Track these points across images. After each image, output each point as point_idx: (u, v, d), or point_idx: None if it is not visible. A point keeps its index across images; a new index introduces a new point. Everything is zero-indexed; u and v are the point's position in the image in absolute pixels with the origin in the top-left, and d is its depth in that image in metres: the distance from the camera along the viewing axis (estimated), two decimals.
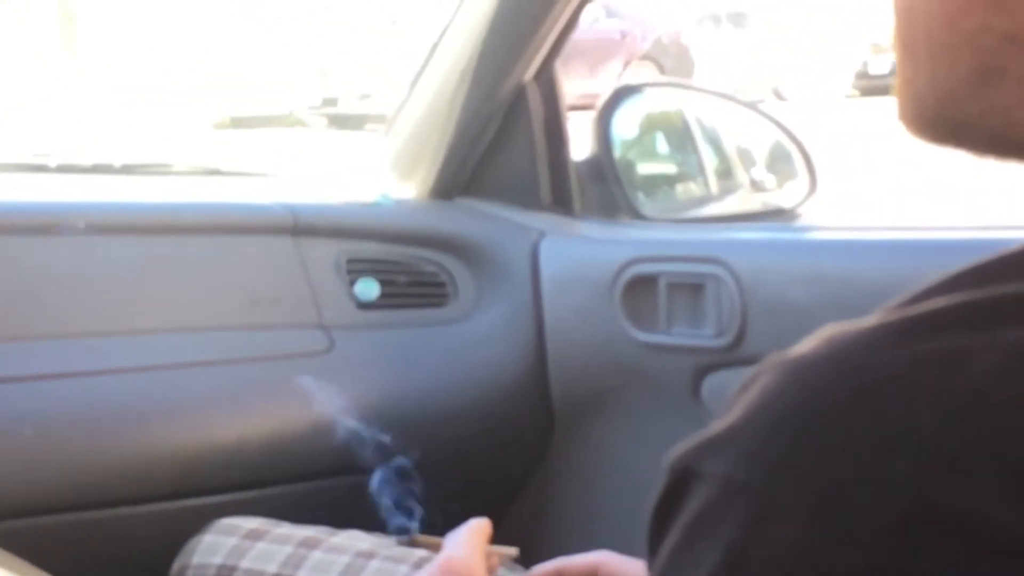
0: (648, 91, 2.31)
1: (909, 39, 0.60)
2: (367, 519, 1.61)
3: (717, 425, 0.51)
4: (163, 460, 1.57)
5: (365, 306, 1.80)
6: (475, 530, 0.91)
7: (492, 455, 1.85)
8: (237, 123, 11.65)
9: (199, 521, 1.56)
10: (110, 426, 1.54)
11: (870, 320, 0.50)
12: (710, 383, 1.63)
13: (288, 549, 1.25)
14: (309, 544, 1.25)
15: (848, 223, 1.71)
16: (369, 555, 1.23)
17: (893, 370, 0.47)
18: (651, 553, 0.52)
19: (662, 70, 15.39)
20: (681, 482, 0.51)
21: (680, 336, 1.66)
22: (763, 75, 15.54)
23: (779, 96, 15.33)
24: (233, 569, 1.23)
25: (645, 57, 15.45)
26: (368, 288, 1.80)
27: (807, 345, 0.51)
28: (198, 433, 1.61)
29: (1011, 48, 0.54)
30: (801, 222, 1.94)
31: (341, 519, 1.62)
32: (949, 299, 0.49)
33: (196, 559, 1.26)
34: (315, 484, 1.67)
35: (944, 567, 0.44)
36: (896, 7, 0.60)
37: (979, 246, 0.52)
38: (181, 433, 1.60)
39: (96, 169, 2.34)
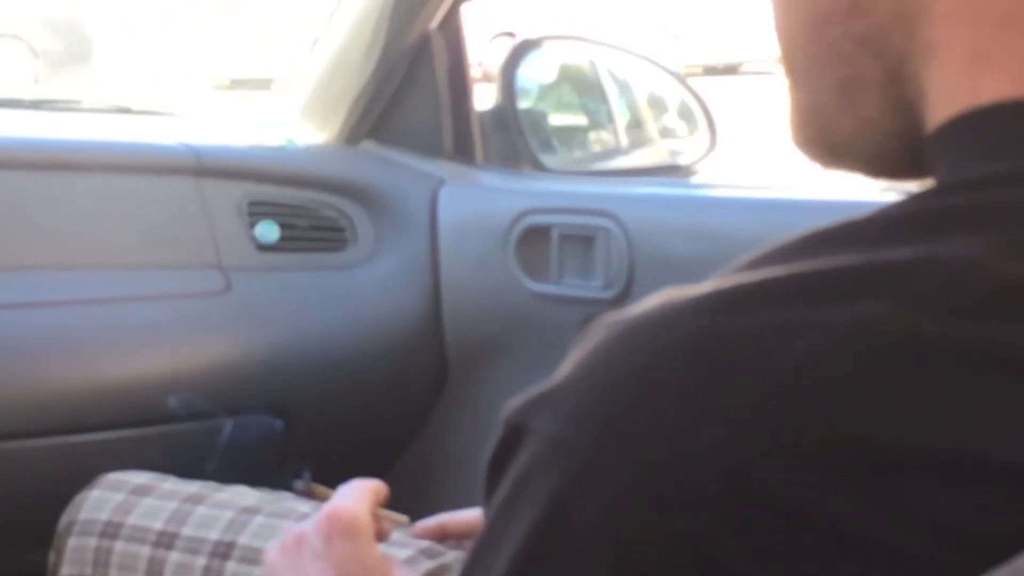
0: (559, 43, 2.33)
1: (788, 55, 0.62)
2: (258, 460, 1.64)
3: (550, 380, 0.52)
4: (55, 395, 1.57)
5: (264, 248, 1.80)
6: (367, 486, 0.90)
7: (385, 401, 1.86)
8: (237, 85, 11.41)
9: (90, 457, 1.57)
10: (1, 360, 1.54)
11: (709, 285, 0.51)
12: None
13: (174, 505, 1.24)
14: (194, 500, 1.25)
15: (735, 182, 1.74)
16: (253, 511, 1.22)
17: (720, 342, 0.48)
18: (486, 504, 0.54)
19: None
20: (513, 436, 0.52)
21: (570, 287, 1.68)
22: None
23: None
24: (120, 526, 1.23)
25: None
26: (268, 231, 1.81)
27: (644, 306, 0.51)
28: (91, 370, 1.61)
29: (867, 54, 0.56)
30: (693, 179, 1.97)
31: (232, 459, 1.64)
32: (788, 267, 0.50)
33: (83, 515, 1.25)
34: (207, 424, 1.68)
35: (756, 542, 0.45)
36: (775, 24, 0.62)
37: (861, 207, 0.53)
38: (74, 369, 1.60)
39: (4, 103, 2.32)
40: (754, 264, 0.52)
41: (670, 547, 0.46)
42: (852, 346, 0.46)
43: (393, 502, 0.96)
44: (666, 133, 2.29)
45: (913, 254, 0.48)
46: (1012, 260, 0.48)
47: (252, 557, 1.16)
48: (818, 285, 0.48)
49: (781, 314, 0.48)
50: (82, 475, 1.35)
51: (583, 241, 1.66)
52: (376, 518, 0.89)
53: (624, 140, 2.32)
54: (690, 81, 2.34)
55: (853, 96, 0.58)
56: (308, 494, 1.06)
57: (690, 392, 0.47)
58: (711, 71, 11.56)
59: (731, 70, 12.05)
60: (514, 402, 0.52)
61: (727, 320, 0.48)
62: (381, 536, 0.90)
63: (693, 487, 0.46)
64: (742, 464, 0.46)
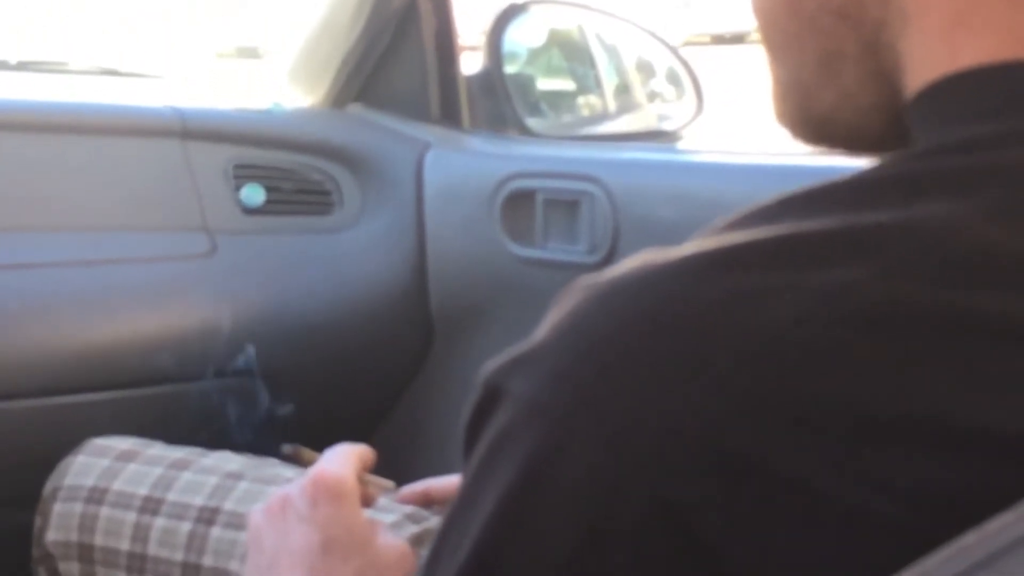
0: (547, 7, 2.32)
1: (767, 31, 0.62)
2: (242, 423, 1.65)
3: (527, 342, 0.52)
4: (38, 357, 1.58)
5: (250, 211, 1.80)
6: (353, 450, 0.89)
7: (370, 365, 1.87)
8: (242, 53, 11.29)
9: (74, 419, 1.58)
10: None
11: (687, 248, 0.51)
12: None
13: (159, 471, 1.24)
14: (179, 466, 1.25)
15: (719, 147, 1.74)
16: (238, 476, 1.22)
17: (697, 306, 0.48)
18: (464, 466, 0.54)
19: None
20: (489, 398, 0.52)
21: (555, 252, 1.68)
22: None
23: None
24: (105, 491, 1.23)
25: None
26: (254, 194, 1.81)
27: (621, 268, 0.51)
28: (75, 331, 1.61)
29: (844, 26, 0.56)
30: (678, 144, 1.97)
31: (217, 422, 1.64)
32: (767, 230, 0.50)
33: (68, 480, 1.25)
34: (191, 386, 1.68)
35: (728, 506, 0.46)
36: (753, 4, 0.62)
37: (847, 172, 0.53)
38: (58, 331, 1.60)
39: None
40: (732, 226, 0.52)
41: (644, 512, 0.47)
42: (829, 312, 0.46)
43: (378, 466, 0.96)
44: (653, 98, 2.28)
45: (892, 217, 0.48)
46: (992, 223, 0.48)
47: (237, 523, 1.17)
48: (796, 250, 0.49)
49: (759, 279, 0.48)
50: (66, 437, 1.35)
51: (568, 206, 1.66)
52: (362, 483, 0.88)
53: (612, 105, 2.31)
54: (698, 50, 2.34)
55: (831, 69, 0.58)
56: (295, 458, 1.06)
57: (665, 356, 0.47)
58: (719, 40, 11.50)
59: (738, 39, 12.00)
60: (491, 364, 0.52)
61: (704, 284, 0.48)
62: (367, 501, 0.89)
63: (668, 451, 0.46)
64: (717, 428, 0.46)
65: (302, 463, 1.07)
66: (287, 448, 1.05)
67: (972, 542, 0.43)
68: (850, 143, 0.61)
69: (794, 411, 0.45)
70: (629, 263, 0.51)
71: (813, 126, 0.61)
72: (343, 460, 0.87)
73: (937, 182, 0.50)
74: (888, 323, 0.46)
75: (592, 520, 0.48)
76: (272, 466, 1.27)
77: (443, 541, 0.54)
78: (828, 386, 0.45)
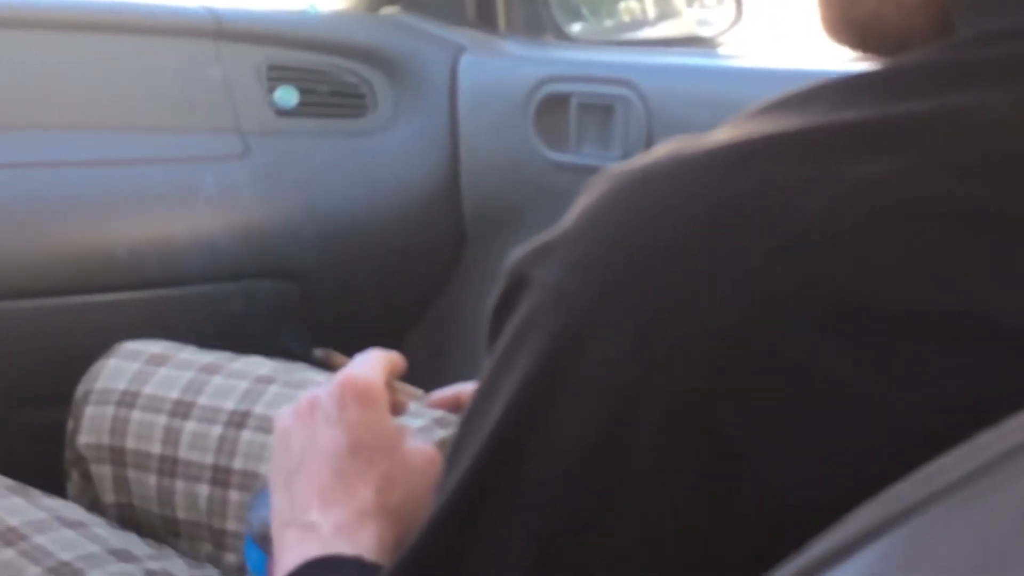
0: None
1: None
2: (273, 325, 1.65)
3: (554, 229, 0.51)
4: (71, 255, 1.59)
5: (283, 113, 1.80)
6: (384, 356, 0.87)
7: (402, 269, 1.87)
8: None
9: (106, 318, 1.59)
10: (17, 218, 1.55)
11: (718, 137, 0.49)
12: None
13: (190, 375, 1.25)
14: (210, 370, 1.25)
15: (754, 52, 1.72)
16: (268, 380, 1.23)
17: (727, 198, 0.47)
18: (488, 355, 0.54)
19: None
20: (514, 286, 0.51)
21: (588, 156, 1.67)
22: None
23: None
24: (136, 395, 1.24)
25: None
26: (287, 95, 1.80)
27: (651, 157, 0.50)
28: (108, 230, 1.62)
29: None
30: (714, 49, 1.94)
31: (248, 323, 1.65)
32: (799, 119, 0.49)
33: (100, 384, 1.26)
34: (223, 287, 1.69)
35: (754, 400, 0.45)
36: None
37: None
38: (91, 229, 1.61)
39: None
40: (765, 112, 0.51)
41: (668, 406, 0.46)
42: (860, 206, 0.45)
43: (409, 371, 0.94)
44: (692, 3, 2.25)
45: (927, 107, 0.47)
46: None
47: (267, 426, 1.17)
48: (828, 141, 0.48)
49: (790, 171, 0.47)
50: (97, 337, 1.36)
51: (602, 110, 1.64)
52: (392, 390, 0.87)
53: (651, 10, 2.28)
54: None
55: None
56: (326, 362, 1.05)
57: (694, 249, 0.47)
58: None
59: None
60: (517, 252, 0.52)
61: (734, 176, 0.47)
62: (397, 409, 0.88)
63: (694, 345, 0.46)
64: (744, 322, 0.45)
65: (333, 367, 1.07)
66: (319, 352, 1.05)
67: (989, 440, 0.43)
68: (894, 46, 0.58)
69: (823, 307, 0.45)
70: (658, 152, 0.50)
71: (856, 29, 0.60)
72: (373, 365, 0.85)
73: (975, 71, 0.49)
74: (916, 218, 0.45)
75: (614, 412, 0.47)
76: (302, 370, 1.27)
77: (465, 429, 0.54)
78: (858, 282, 0.45)
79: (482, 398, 0.53)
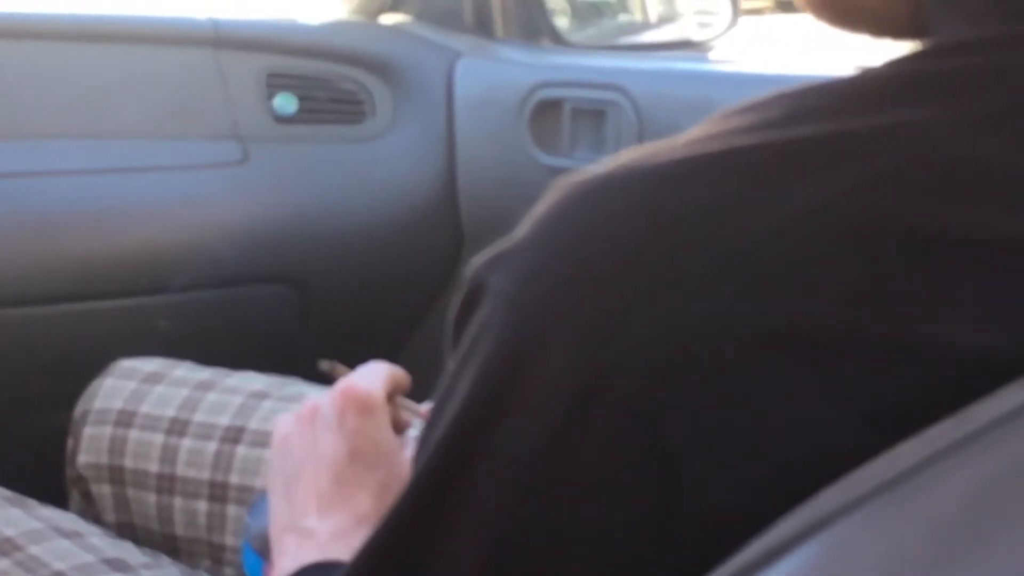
0: None
1: None
2: (272, 332, 1.67)
3: (510, 237, 0.52)
4: (72, 263, 1.61)
5: (282, 120, 1.81)
6: (387, 369, 0.89)
7: (400, 275, 1.88)
8: None
9: (106, 324, 1.61)
10: (18, 226, 1.57)
11: (676, 148, 0.50)
12: None
13: (185, 392, 1.26)
14: (204, 387, 1.27)
15: (744, 57, 1.72)
16: (262, 396, 1.24)
17: (676, 212, 0.47)
18: (449, 360, 0.55)
19: None
20: (473, 293, 0.52)
21: (581, 161, 1.68)
22: None
23: None
24: (133, 414, 1.25)
25: None
26: (286, 102, 1.82)
27: (605, 167, 0.51)
28: (108, 238, 1.64)
29: None
30: (705, 54, 1.95)
31: (246, 330, 1.67)
32: (753, 136, 0.49)
33: (98, 404, 1.28)
34: (222, 293, 1.71)
35: (694, 412, 0.46)
36: None
37: None
38: (91, 237, 1.63)
39: None
40: (728, 118, 0.51)
41: (613, 414, 0.47)
42: (805, 227, 0.46)
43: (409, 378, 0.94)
44: (689, 7, 2.26)
45: (881, 122, 0.48)
46: (987, 133, 0.47)
47: (262, 441, 1.19)
48: (780, 158, 0.48)
49: (739, 188, 0.47)
50: (98, 343, 1.38)
51: (594, 115, 1.66)
52: (395, 406, 0.88)
53: (649, 15, 2.29)
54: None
55: None
56: (332, 374, 1.06)
57: (640, 260, 0.47)
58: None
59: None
60: (477, 259, 0.53)
61: (686, 190, 0.48)
62: (400, 426, 0.88)
63: (638, 355, 0.46)
64: (687, 334, 0.46)
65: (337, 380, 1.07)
66: (325, 364, 1.05)
67: (910, 448, 0.44)
68: (873, 27, 0.59)
69: (766, 324, 0.45)
70: (614, 161, 0.51)
71: (837, 6, 0.59)
72: (374, 376, 0.86)
73: (932, 84, 0.49)
74: (866, 240, 0.46)
75: (560, 419, 0.48)
76: (296, 384, 1.28)
77: (426, 432, 0.55)
78: (802, 302, 0.45)
79: (440, 402, 0.54)
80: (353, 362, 0.98)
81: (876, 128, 0.48)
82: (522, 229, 0.51)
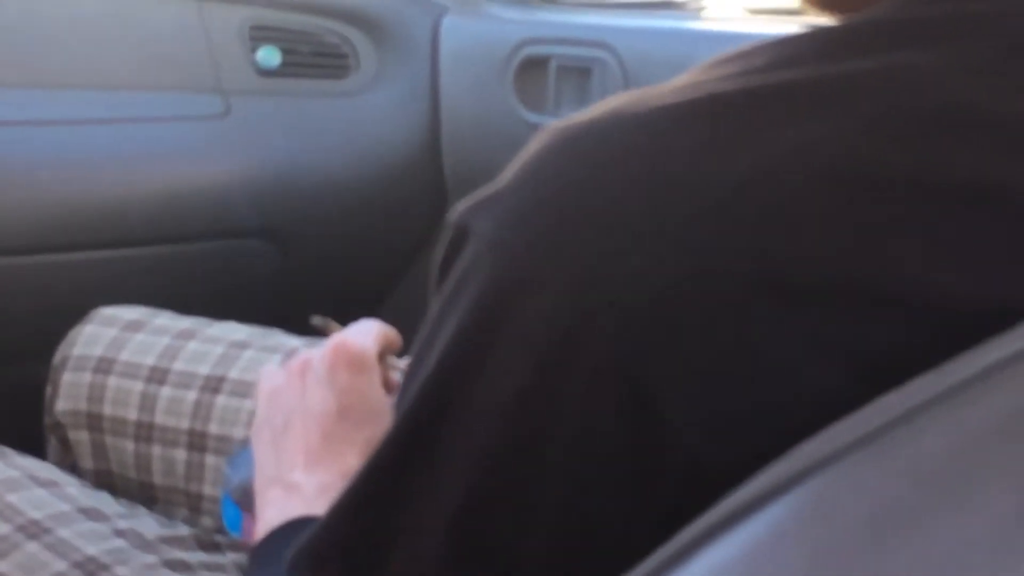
0: None
1: None
2: (252, 285, 1.66)
3: (495, 183, 0.52)
4: (51, 213, 1.60)
5: (265, 73, 1.80)
6: (379, 327, 0.88)
7: (383, 229, 1.87)
8: None
9: (83, 277, 1.60)
10: None
11: (657, 96, 0.50)
12: None
13: (166, 340, 1.25)
14: (185, 335, 1.25)
15: (731, 15, 1.72)
16: (243, 345, 1.23)
17: (661, 157, 0.47)
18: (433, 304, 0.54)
19: None
20: (458, 237, 0.52)
21: None
22: None
23: None
24: (112, 361, 1.24)
25: None
26: (269, 55, 1.80)
27: (590, 114, 0.51)
28: (88, 189, 1.63)
29: None
30: (693, 13, 1.94)
31: (221, 280, 1.66)
32: (740, 80, 0.49)
33: (77, 350, 1.26)
34: (202, 246, 1.70)
35: (674, 358, 0.46)
36: None
37: None
38: (71, 188, 1.62)
39: None
40: (712, 68, 0.51)
41: (594, 360, 0.47)
42: (790, 170, 0.46)
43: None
44: None
45: (863, 68, 0.48)
46: (979, 78, 0.47)
47: (242, 391, 1.18)
48: (764, 103, 0.48)
49: (724, 133, 0.47)
50: (77, 294, 1.37)
51: (580, 73, 1.65)
52: (385, 365, 0.88)
53: None
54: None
55: None
56: (324, 330, 1.05)
57: (626, 205, 0.47)
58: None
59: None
60: (462, 204, 0.52)
61: (670, 136, 0.48)
62: (390, 386, 0.88)
63: (622, 301, 0.46)
64: (672, 280, 0.46)
65: (329, 336, 1.06)
66: (317, 320, 1.04)
67: (892, 400, 0.44)
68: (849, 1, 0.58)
69: (749, 270, 0.45)
70: (600, 108, 0.51)
71: None
72: (367, 333, 0.86)
73: (914, 31, 0.49)
74: (846, 185, 0.45)
75: (543, 363, 0.48)
76: (277, 335, 1.27)
77: (407, 378, 0.55)
78: (786, 247, 0.45)
79: (423, 347, 0.54)
80: (336, 315, 0.98)
81: (858, 73, 0.47)
82: (507, 175, 0.51)
